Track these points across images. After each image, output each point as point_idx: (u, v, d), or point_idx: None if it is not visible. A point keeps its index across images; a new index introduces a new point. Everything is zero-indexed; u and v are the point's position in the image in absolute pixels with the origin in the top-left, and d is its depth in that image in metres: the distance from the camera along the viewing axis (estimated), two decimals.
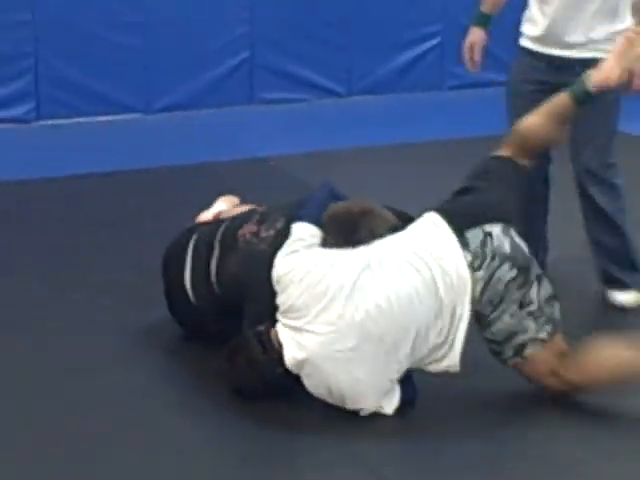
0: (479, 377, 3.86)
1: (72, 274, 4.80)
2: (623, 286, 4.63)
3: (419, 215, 3.80)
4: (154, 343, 4.22)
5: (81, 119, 7.28)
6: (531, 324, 3.73)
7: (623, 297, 4.63)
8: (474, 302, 3.68)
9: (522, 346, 3.70)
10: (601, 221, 4.62)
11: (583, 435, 3.60)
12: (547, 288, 3.78)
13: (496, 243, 3.71)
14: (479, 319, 3.72)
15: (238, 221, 4.02)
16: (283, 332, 3.58)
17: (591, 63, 4.33)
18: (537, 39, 4.63)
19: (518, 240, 3.77)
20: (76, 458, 3.38)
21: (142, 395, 3.80)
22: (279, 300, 3.62)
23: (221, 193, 4.88)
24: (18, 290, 4.63)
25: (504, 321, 3.71)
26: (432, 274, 3.61)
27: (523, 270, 3.73)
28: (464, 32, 4.90)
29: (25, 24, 7.10)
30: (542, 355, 3.72)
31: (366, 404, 3.56)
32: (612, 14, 4.52)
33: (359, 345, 3.48)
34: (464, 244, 3.68)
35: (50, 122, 7.23)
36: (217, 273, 3.95)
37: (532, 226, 4.65)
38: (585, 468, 3.38)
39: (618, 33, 4.43)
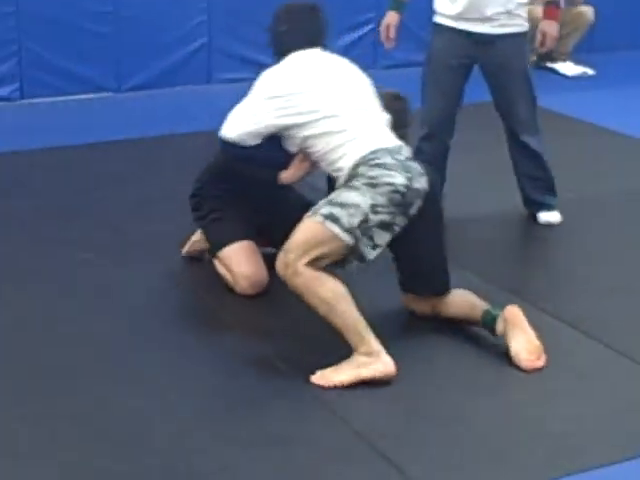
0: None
1: (58, 235, 4.79)
2: (549, 208, 4.97)
3: None
4: (131, 290, 4.29)
5: (60, 98, 7.20)
6: (355, 220, 3.50)
7: (550, 216, 4.98)
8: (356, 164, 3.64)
9: (334, 218, 3.50)
10: (532, 160, 4.92)
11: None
12: (384, 238, 3.59)
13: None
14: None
15: None
16: None
17: (508, 37, 4.61)
18: (457, 16, 4.68)
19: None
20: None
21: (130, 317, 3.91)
22: None
23: (181, 161, 4.84)
24: (11, 249, 4.63)
25: (354, 194, 3.57)
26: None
27: (406, 201, 3.59)
28: None
29: (10, 15, 7.02)
30: (312, 228, 3.53)
31: None
32: None
33: None
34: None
35: (32, 101, 7.16)
36: None
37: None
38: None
39: (523, 4, 4.66)
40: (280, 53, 4.03)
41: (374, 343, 3.49)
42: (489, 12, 4.63)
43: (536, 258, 4.83)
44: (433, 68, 4.84)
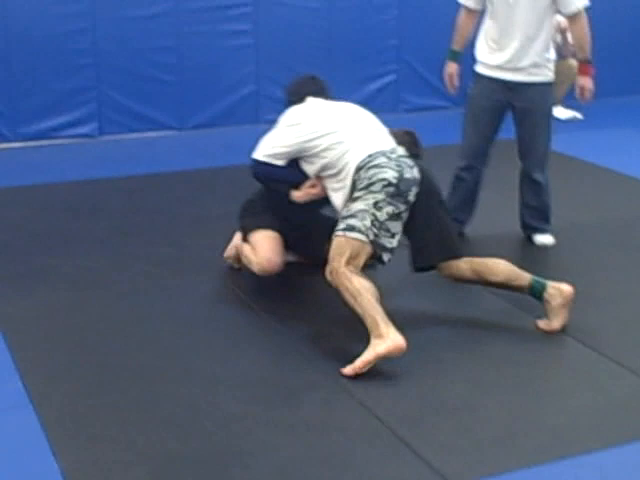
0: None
1: (129, 250, 4.82)
2: (543, 232, 4.94)
3: None
4: (186, 297, 4.29)
5: (132, 135, 7.25)
6: (367, 222, 3.65)
7: (544, 238, 4.95)
8: (357, 169, 3.76)
9: (351, 227, 3.65)
10: (537, 193, 4.91)
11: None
12: (397, 226, 3.72)
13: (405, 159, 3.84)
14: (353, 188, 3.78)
15: None
16: None
17: (535, 85, 4.66)
18: (496, 67, 4.72)
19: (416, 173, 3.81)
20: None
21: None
22: None
23: (233, 188, 4.85)
24: (90, 263, 4.65)
25: (358, 203, 3.70)
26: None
27: (402, 190, 3.70)
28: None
29: (90, 66, 7.08)
30: (339, 242, 3.66)
31: None
32: (548, 45, 4.67)
33: None
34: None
35: (109, 137, 7.20)
36: None
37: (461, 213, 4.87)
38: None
39: (549, 59, 4.70)
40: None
41: (384, 326, 3.51)
42: (523, 64, 4.65)
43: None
44: (472, 110, 4.87)
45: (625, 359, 3.67)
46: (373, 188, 3.70)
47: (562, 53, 8.39)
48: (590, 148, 6.94)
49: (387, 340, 3.47)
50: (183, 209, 5.46)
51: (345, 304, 3.65)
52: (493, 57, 4.73)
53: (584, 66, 4.75)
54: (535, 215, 4.96)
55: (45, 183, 5.97)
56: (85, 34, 7.00)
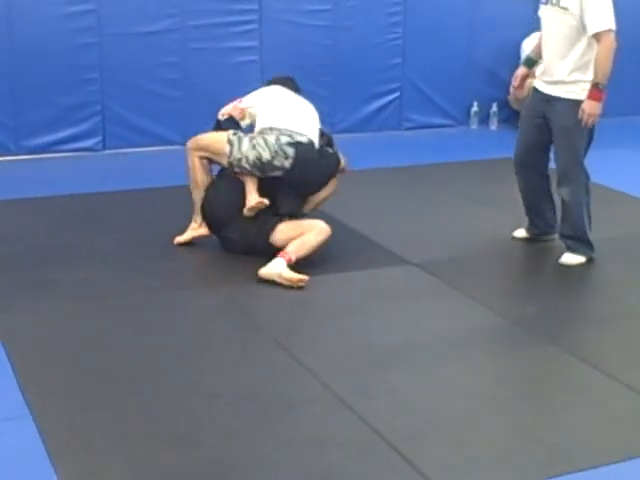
0: None
1: (130, 263, 4.83)
2: (568, 249, 4.96)
3: None
4: (186, 311, 4.30)
5: (136, 149, 7.27)
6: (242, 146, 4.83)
7: (566, 257, 4.93)
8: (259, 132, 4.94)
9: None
10: (562, 209, 5.00)
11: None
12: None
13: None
14: None
15: None
16: None
17: (563, 100, 4.72)
18: (538, 76, 4.94)
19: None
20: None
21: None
22: None
23: None
24: (92, 276, 4.66)
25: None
26: None
27: (265, 170, 4.81)
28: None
29: (95, 80, 7.11)
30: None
31: None
32: (580, 66, 4.70)
33: None
34: None
35: (112, 151, 7.22)
36: None
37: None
38: None
39: (581, 80, 4.70)
40: None
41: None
42: (553, 78, 4.76)
43: (538, 293, 4.74)
44: (521, 119, 5.14)
45: (624, 376, 3.67)
46: (253, 151, 4.78)
47: None
48: (594, 168, 6.92)
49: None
50: (185, 223, 5.43)
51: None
52: (538, 67, 5.00)
53: (593, 90, 4.64)
54: (563, 232, 4.99)
55: (48, 196, 5.98)
56: (91, 49, 7.03)
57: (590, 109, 4.63)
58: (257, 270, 4.53)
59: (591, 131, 4.80)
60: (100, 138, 7.21)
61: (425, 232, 5.45)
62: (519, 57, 7.70)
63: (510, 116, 8.05)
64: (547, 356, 3.87)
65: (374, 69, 7.94)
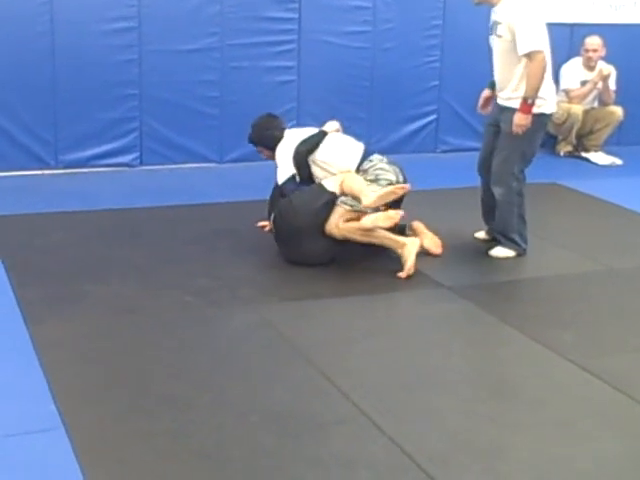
0: None
1: (165, 279, 4.88)
2: (498, 243, 5.41)
3: None
4: (220, 328, 4.32)
5: (172, 166, 7.35)
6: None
7: (495, 251, 5.38)
8: None
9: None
10: (497, 205, 5.36)
11: None
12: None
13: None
14: None
15: None
16: None
17: (508, 110, 5.17)
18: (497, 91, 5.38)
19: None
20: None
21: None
22: None
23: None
24: (127, 290, 4.71)
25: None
26: None
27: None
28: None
29: (134, 96, 7.22)
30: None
31: None
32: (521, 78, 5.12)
33: None
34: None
35: (149, 167, 7.31)
36: None
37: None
38: None
39: (518, 96, 5.13)
40: (272, 144, 5.53)
41: (399, 239, 4.97)
42: (504, 94, 5.24)
43: (566, 317, 4.73)
44: (484, 128, 5.64)
45: None
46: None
47: (603, 99, 8.40)
48: (629, 194, 6.91)
49: (409, 243, 4.90)
50: (220, 240, 5.51)
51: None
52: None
53: (522, 103, 5.05)
54: (494, 227, 5.40)
55: (85, 210, 6.07)
56: (132, 65, 7.14)
57: (519, 120, 5.07)
58: (290, 290, 4.53)
59: (533, 144, 5.22)
60: (137, 154, 7.30)
61: (459, 255, 5.45)
62: (557, 82, 7.71)
63: (547, 141, 8.04)
64: (578, 382, 3.84)
65: (411, 91, 8.00)
